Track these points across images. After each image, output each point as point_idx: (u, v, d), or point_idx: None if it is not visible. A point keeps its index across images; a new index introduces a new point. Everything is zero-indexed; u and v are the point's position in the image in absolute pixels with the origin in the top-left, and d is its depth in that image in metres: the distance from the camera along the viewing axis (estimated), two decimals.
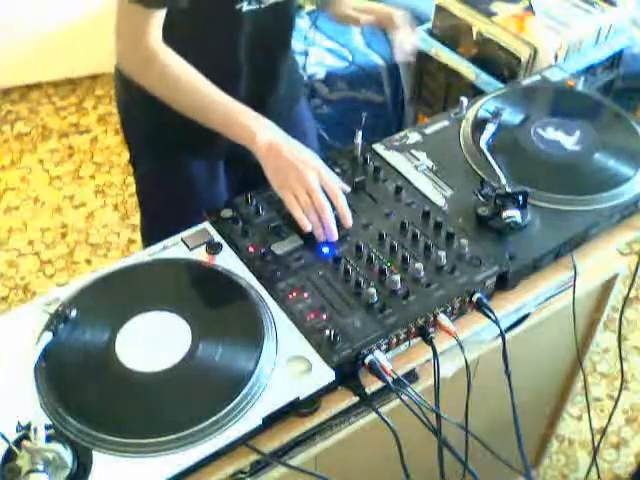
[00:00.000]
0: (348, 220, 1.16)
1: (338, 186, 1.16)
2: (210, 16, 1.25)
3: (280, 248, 1.14)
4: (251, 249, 1.14)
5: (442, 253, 1.11)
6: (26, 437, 0.87)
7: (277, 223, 1.17)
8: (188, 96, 1.21)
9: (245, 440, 0.96)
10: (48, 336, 1.00)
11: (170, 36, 1.22)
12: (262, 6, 1.27)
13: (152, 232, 1.55)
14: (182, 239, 1.16)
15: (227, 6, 1.24)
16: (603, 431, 1.69)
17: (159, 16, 1.19)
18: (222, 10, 1.25)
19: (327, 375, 0.99)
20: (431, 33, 2.12)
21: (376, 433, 1.04)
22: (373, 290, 1.06)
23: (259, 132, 1.15)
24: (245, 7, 1.25)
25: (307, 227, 1.13)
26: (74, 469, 0.89)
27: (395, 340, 1.05)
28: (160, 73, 1.20)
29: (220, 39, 1.30)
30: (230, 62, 1.34)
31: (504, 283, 1.14)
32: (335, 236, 1.14)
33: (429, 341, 1.06)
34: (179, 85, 1.20)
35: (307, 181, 1.12)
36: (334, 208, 1.14)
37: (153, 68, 1.20)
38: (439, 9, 2.07)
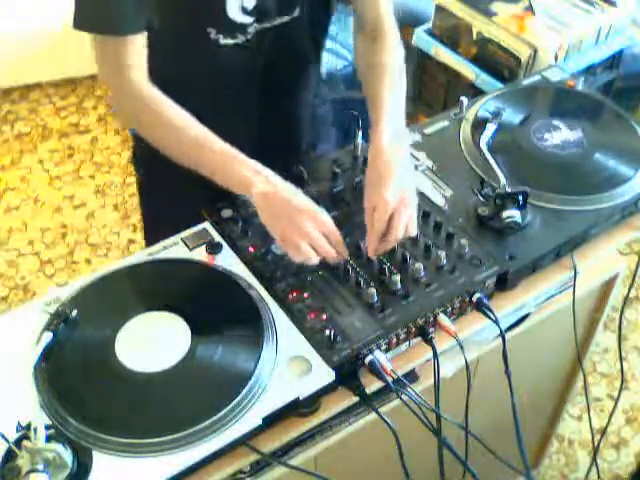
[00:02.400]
0: (345, 255, 1.11)
1: (335, 230, 1.10)
2: (184, 40, 1.20)
3: (280, 248, 1.14)
4: (251, 249, 1.14)
5: (442, 253, 1.11)
6: (26, 437, 0.87)
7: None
8: (179, 143, 1.15)
9: (245, 440, 0.96)
10: (48, 336, 1.00)
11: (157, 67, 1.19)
12: (246, 37, 1.21)
13: (153, 234, 1.55)
14: (182, 239, 1.16)
15: (197, 33, 1.19)
16: (603, 431, 1.69)
17: (136, 45, 1.14)
18: (193, 37, 1.20)
19: (327, 375, 0.99)
20: (431, 33, 2.12)
21: (376, 433, 1.04)
22: (373, 290, 1.06)
23: (255, 183, 1.09)
24: (215, 35, 1.19)
25: (314, 260, 1.08)
26: (74, 469, 0.89)
27: (395, 340, 1.05)
28: (150, 120, 1.16)
29: (206, 73, 1.24)
30: (231, 100, 1.28)
31: (504, 283, 1.14)
32: (342, 257, 1.10)
33: (429, 341, 1.06)
34: (170, 130, 1.15)
35: (304, 232, 1.06)
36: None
37: (144, 114, 1.16)
38: (439, 9, 2.07)
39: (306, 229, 1.06)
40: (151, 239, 1.43)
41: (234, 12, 1.18)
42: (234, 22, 1.19)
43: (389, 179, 1.10)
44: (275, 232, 1.09)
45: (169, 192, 1.36)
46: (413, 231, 1.11)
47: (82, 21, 1.14)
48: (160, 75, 1.20)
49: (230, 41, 1.20)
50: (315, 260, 1.07)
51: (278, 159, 1.17)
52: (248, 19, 1.19)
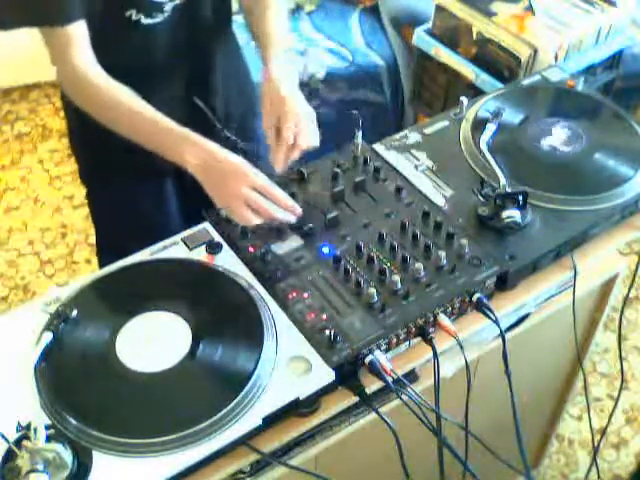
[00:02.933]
0: (296, 209, 1.15)
1: (267, 182, 1.14)
2: (107, 25, 1.23)
3: (280, 248, 1.14)
4: (251, 249, 1.14)
5: (442, 253, 1.11)
6: (26, 437, 0.87)
7: (277, 223, 1.17)
8: (122, 118, 1.20)
9: (245, 440, 0.96)
10: (48, 336, 1.00)
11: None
12: (164, 16, 1.26)
13: (105, 249, 1.59)
14: (182, 239, 1.16)
15: (118, 16, 1.23)
16: (603, 431, 1.69)
17: (76, 33, 1.17)
18: (114, 20, 1.23)
19: (327, 375, 0.99)
20: (431, 33, 2.12)
21: (376, 433, 1.04)
22: (373, 290, 1.06)
23: (187, 152, 1.14)
24: (136, 16, 1.23)
25: (254, 222, 1.12)
26: (74, 469, 0.89)
27: (395, 340, 1.05)
28: (92, 95, 1.21)
29: (124, 46, 1.28)
30: (147, 68, 1.33)
31: (504, 283, 1.14)
32: (294, 212, 1.15)
33: (429, 341, 1.06)
34: (113, 106, 1.20)
35: (237, 194, 1.10)
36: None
37: (79, 87, 1.21)
38: (439, 9, 2.07)
39: (238, 191, 1.10)
40: (103, 255, 1.58)
41: None
42: (152, 1, 1.23)
43: (290, 95, 1.21)
44: (216, 200, 1.14)
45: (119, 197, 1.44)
46: (316, 141, 1.21)
47: (16, 15, 1.15)
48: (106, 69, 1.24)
49: (150, 21, 1.24)
50: (255, 221, 1.11)
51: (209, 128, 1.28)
52: None
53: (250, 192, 1.11)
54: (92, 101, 1.22)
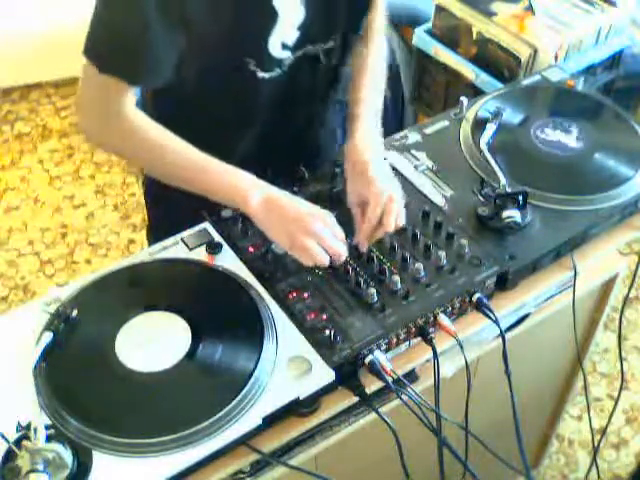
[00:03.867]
0: (343, 255, 1.10)
1: (341, 230, 1.11)
2: (222, 74, 1.18)
3: (280, 248, 1.14)
4: (251, 249, 1.14)
5: (442, 253, 1.11)
6: (26, 437, 0.87)
7: None
8: (170, 166, 1.14)
9: (245, 440, 0.96)
10: (48, 336, 1.00)
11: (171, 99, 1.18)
12: (281, 70, 1.19)
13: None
14: (182, 239, 1.16)
15: (240, 70, 1.16)
16: (603, 431, 1.69)
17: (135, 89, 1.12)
18: (230, 69, 1.17)
19: (327, 375, 0.99)
20: (431, 33, 2.12)
21: (376, 433, 1.04)
22: (373, 290, 1.06)
23: (251, 191, 1.09)
24: (253, 68, 1.16)
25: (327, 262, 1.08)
26: (74, 469, 0.89)
27: (395, 340, 1.05)
28: (139, 145, 1.14)
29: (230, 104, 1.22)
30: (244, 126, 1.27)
31: (504, 283, 1.14)
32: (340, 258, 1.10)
33: (429, 341, 1.06)
34: (164, 154, 1.13)
35: (313, 232, 1.06)
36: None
37: (131, 140, 1.13)
38: (439, 9, 2.06)
39: (315, 229, 1.06)
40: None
41: (275, 48, 1.16)
42: (273, 57, 1.17)
43: (375, 174, 1.13)
44: (281, 238, 1.08)
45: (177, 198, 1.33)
46: (402, 221, 1.14)
47: (110, 63, 1.07)
48: (190, 111, 1.21)
49: (267, 75, 1.18)
50: (326, 261, 1.06)
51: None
52: (286, 54, 1.18)
53: (326, 231, 1.07)
54: (140, 149, 1.14)
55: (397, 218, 1.13)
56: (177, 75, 1.13)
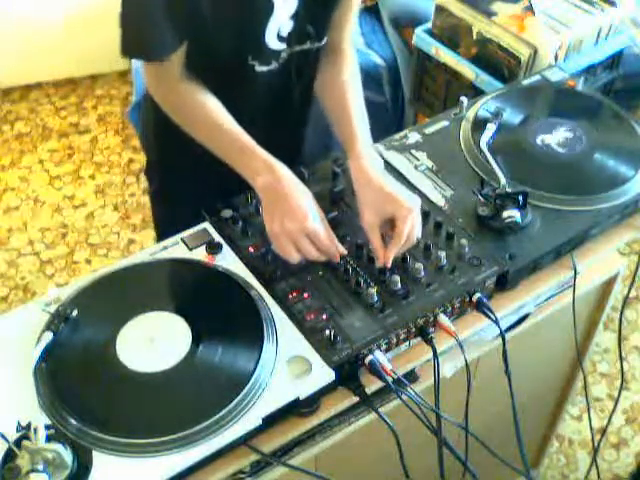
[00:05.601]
0: (341, 252, 1.12)
1: (323, 238, 1.10)
2: (221, 69, 1.23)
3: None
4: (251, 249, 1.14)
5: (442, 253, 1.11)
6: (26, 437, 0.87)
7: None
8: (207, 128, 1.20)
9: (245, 440, 0.96)
10: (48, 336, 1.00)
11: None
12: (278, 63, 1.24)
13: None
14: (182, 239, 1.16)
15: (241, 65, 1.22)
16: (603, 431, 1.69)
17: (177, 61, 1.18)
18: (237, 69, 1.22)
19: (327, 375, 0.99)
20: (431, 33, 2.12)
21: (376, 433, 1.04)
22: (373, 290, 1.06)
23: (260, 172, 1.12)
24: (251, 62, 1.21)
25: (295, 260, 1.10)
26: (74, 469, 0.89)
27: (395, 340, 1.05)
28: (189, 112, 1.21)
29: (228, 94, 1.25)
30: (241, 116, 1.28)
31: (504, 283, 1.14)
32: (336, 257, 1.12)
33: (429, 341, 1.06)
34: (202, 120, 1.20)
35: (288, 232, 1.08)
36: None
37: (183, 108, 1.22)
38: (439, 9, 2.06)
39: (290, 230, 1.08)
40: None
41: (271, 40, 1.20)
42: (270, 49, 1.21)
43: (394, 189, 1.13)
44: (266, 225, 1.11)
45: (184, 199, 1.38)
46: (419, 233, 1.13)
47: (129, 48, 1.16)
48: None
49: (265, 68, 1.22)
50: (296, 260, 1.09)
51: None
52: (282, 45, 1.21)
53: (301, 236, 1.08)
54: (187, 117, 1.22)
55: (420, 229, 1.13)
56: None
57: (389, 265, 1.11)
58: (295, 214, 1.09)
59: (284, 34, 1.20)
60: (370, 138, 1.24)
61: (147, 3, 1.10)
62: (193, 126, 1.22)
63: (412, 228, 1.11)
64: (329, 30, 1.27)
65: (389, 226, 1.12)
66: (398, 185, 1.16)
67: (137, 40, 1.16)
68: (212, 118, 1.19)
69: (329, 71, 1.32)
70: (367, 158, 1.17)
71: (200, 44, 1.17)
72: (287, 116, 1.37)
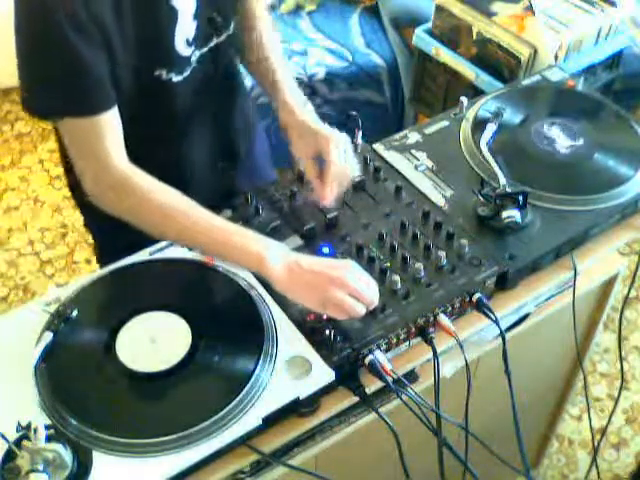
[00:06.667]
0: (374, 303, 1.05)
1: (370, 278, 1.05)
2: (135, 88, 1.14)
3: None
4: None
5: (442, 253, 1.11)
6: (26, 437, 0.87)
7: (277, 223, 1.17)
8: (177, 226, 1.08)
9: (245, 440, 0.96)
10: (48, 336, 1.00)
11: None
12: (191, 68, 1.18)
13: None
14: None
15: (146, 77, 1.14)
16: (603, 431, 1.69)
17: (111, 126, 1.07)
18: (143, 82, 1.14)
19: (327, 375, 0.99)
20: (431, 33, 2.12)
21: (376, 433, 1.04)
22: None
23: (267, 260, 1.03)
24: (166, 76, 1.15)
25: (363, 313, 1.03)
26: (74, 469, 0.89)
27: (395, 340, 1.05)
28: (139, 204, 1.08)
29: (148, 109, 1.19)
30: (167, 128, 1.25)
31: (504, 283, 1.14)
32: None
33: (429, 341, 1.06)
34: (165, 215, 1.07)
35: (345, 283, 1.01)
36: None
37: (129, 198, 1.08)
38: (439, 9, 2.06)
39: (347, 281, 1.01)
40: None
41: (181, 46, 1.14)
42: (182, 56, 1.16)
43: (320, 125, 1.20)
44: (312, 302, 1.03)
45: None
46: (354, 167, 1.20)
47: (43, 104, 1.07)
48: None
49: (181, 77, 1.17)
50: (362, 311, 1.02)
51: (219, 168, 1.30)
52: (191, 50, 1.17)
53: (356, 281, 1.02)
54: (140, 208, 1.08)
55: (354, 165, 1.19)
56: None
57: (327, 201, 1.16)
58: (343, 267, 1.03)
59: (190, 38, 1.15)
60: (294, 82, 1.29)
61: (66, 46, 1.00)
62: (161, 222, 1.08)
63: (348, 155, 1.17)
64: (242, 3, 1.28)
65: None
66: (324, 124, 1.21)
67: (61, 87, 1.05)
68: (182, 210, 1.07)
69: (250, 37, 1.32)
70: (293, 101, 1.24)
71: (112, 66, 1.07)
72: (210, 125, 1.32)
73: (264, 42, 1.32)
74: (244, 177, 1.42)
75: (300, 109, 1.23)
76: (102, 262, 1.45)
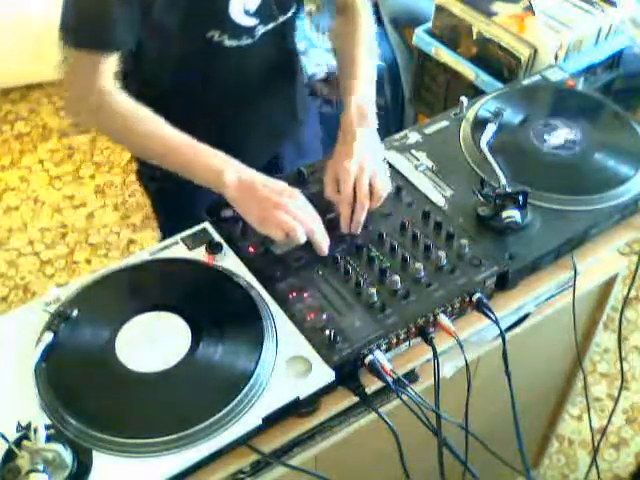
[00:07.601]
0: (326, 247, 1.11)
1: (314, 211, 1.12)
2: (187, 46, 1.21)
3: (280, 248, 1.14)
4: (251, 249, 1.14)
5: (442, 253, 1.11)
6: (26, 437, 0.87)
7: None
8: (144, 139, 1.16)
9: (245, 440, 0.96)
10: (48, 336, 1.00)
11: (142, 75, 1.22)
12: (254, 40, 1.23)
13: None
14: (182, 239, 1.16)
15: (198, 38, 1.20)
16: (603, 431, 1.69)
17: (111, 61, 1.16)
18: (194, 41, 1.21)
19: (327, 375, 0.99)
20: (431, 33, 2.12)
21: (376, 433, 1.04)
22: (373, 290, 1.06)
23: (225, 171, 1.10)
24: (218, 38, 1.20)
25: (302, 240, 1.09)
26: (74, 469, 0.89)
27: (395, 340, 1.05)
28: (110, 117, 1.17)
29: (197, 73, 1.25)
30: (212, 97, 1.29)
31: (504, 283, 1.14)
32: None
33: (429, 341, 1.06)
34: (133, 128, 1.16)
35: (283, 205, 1.07)
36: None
37: (102, 113, 1.17)
38: (439, 9, 2.06)
39: (285, 203, 1.07)
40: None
41: (237, 15, 1.19)
42: (238, 25, 1.20)
43: (352, 150, 1.16)
44: (252, 216, 1.10)
45: (184, 198, 1.36)
46: (383, 192, 1.15)
47: (78, 35, 1.17)
48: (157, 83, 1.22)
49: (235, 43, 1.22)
50: (301, 235, 1.07)
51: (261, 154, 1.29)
52: (252, 21, 1.21)
53: (299, 209, 1.08)
54: (111, 121, 1.18)
55: (375, 189, 1.14)
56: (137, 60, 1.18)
57: (347, 231, 1.14)
58: (285, 191, 1.10)
59: (251, 9, 1.19)
60: (371, 90, 1.25)
61: None
62: (129, 135, 1.17)
63: (359, 188, 1.13)
64: None
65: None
66: (371, 143, 1.18)
67: (91, 28, 1.14)
68: (150, 125, 1.15)
69: (342, 26, 1.34)
70: (355, 111, 1.20)
71: (160, 28, 1.15)
72: (275, 85, 1.36)
73: (353, 37, 1.32)
74: (291, 151, 1.46)
75: (357, 122, 1.20)
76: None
